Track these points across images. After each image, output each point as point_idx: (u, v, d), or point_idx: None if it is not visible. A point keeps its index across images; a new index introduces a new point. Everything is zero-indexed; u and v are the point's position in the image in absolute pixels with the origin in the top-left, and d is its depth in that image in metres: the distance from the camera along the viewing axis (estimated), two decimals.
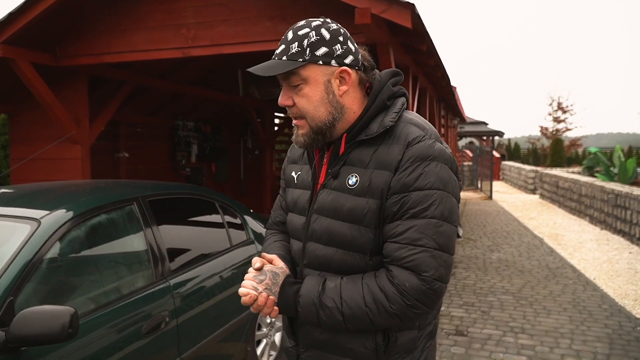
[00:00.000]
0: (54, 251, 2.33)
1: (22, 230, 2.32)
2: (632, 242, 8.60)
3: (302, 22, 1.40)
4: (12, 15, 4.51)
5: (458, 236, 9.09)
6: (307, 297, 1.37)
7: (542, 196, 15.32)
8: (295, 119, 1.43)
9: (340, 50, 1.38)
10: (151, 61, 5.10)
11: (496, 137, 30.50)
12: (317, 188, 1.47)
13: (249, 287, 1.40)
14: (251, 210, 4.19)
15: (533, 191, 17.22)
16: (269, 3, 4.42)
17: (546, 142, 28.50)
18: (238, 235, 3.77)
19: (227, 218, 3.77)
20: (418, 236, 1.30)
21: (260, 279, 1.41)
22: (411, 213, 1.31)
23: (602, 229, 10.02)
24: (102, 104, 5.93)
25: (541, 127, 29.61)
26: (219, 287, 3.25)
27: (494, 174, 19.87)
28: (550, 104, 29.20)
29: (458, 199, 1.40)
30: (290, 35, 1.38)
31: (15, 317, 1.96)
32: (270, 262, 1.47)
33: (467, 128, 25.48)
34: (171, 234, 3.13)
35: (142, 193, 3.05)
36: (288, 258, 1.54)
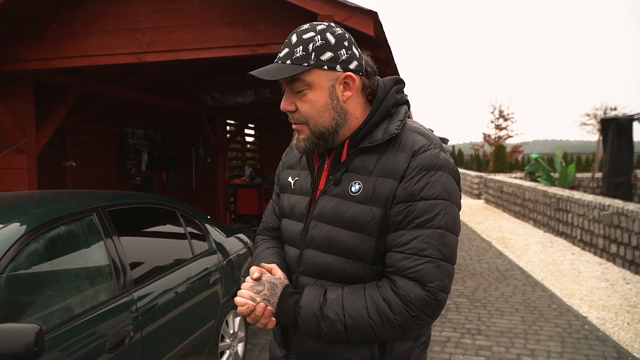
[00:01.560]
0: (11, 266, 2.20)
1: None
2: (574, 243, 9.02)
3: (306, 26, 1.38)
4: None
5: None
6: (308, 309, 1.34)
7: (487, 201, 15.82)
8: (296, 124, 1.41)
9: (345, 55, 1.36)
10: (101, 66, 4.93)
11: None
12: (316, 194, 1.45)
13: (247, 297, 1.37)
14: (208, 217, 4.12)
15: (478, 196, 17.77)
16: (227, 9, 4.38)
17: (489, 149, 29.52)
18: (200, 246, 3.70)
19: (189, 228, 3.69)
20: (424, 246, 1.29)
21: (258, 290, 1.39)
22: (417, 222, 1.31)
23: (545, 231, 10.45)
24: (49, 111, 5.67)
25: (484, 134, 30.65)
26: (182, 298, 3.16)
27: None
28: (492, 112, 30.29)
29: (460, 208, 1.41)
30: (294, 38, 1.36)
31: None
32: (269, 271, 1.44)
33: None
34: (133, 245, 3.03)
35: (102, 203, 2.94)
36: (283, 265, 1.51)
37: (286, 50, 1.36)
